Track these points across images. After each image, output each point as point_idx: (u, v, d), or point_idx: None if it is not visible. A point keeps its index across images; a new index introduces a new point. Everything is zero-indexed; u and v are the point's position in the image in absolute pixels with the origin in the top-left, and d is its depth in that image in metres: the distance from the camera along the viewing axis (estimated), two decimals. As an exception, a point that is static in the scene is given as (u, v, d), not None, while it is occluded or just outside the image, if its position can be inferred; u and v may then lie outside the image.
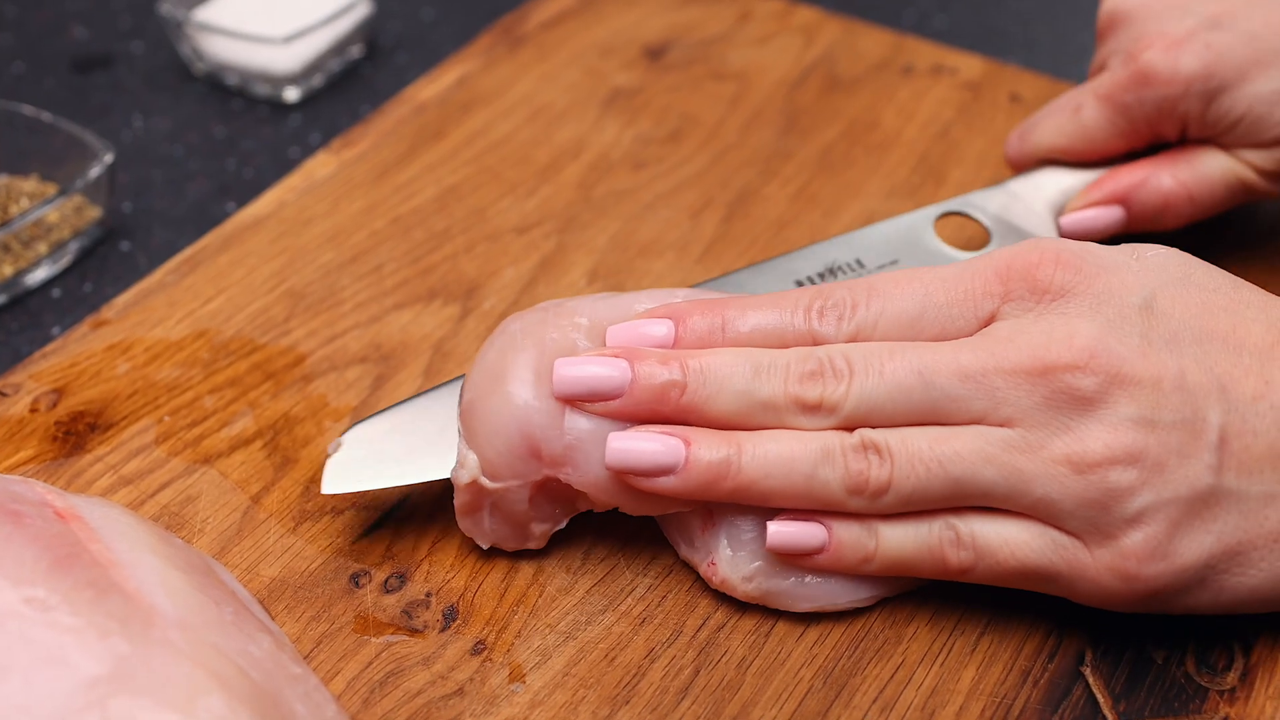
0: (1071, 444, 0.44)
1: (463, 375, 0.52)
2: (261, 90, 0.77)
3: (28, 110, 0.68)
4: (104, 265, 0.67)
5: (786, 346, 0.47)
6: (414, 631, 0.48)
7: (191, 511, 0.52)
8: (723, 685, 0.47)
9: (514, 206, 0.66)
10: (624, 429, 0.47)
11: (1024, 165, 0.62)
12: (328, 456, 0.50)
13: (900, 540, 0.47)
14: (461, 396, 0.49)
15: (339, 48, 0.78)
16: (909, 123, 0.71)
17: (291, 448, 0.54)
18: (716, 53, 0.76)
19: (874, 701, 0.47)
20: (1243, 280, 0.48)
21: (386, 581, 0.50)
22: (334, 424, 0.55)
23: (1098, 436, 0.44)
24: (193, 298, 0.60)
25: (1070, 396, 0.44)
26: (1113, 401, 0.44)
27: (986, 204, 0.60)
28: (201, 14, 0.77)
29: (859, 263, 0.57)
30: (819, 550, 0.47)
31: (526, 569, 0.50)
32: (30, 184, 0.67)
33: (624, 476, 0.47)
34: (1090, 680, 0.47)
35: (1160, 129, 0.59)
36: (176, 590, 0.42)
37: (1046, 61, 0.81)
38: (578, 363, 0.47)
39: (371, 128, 0.70)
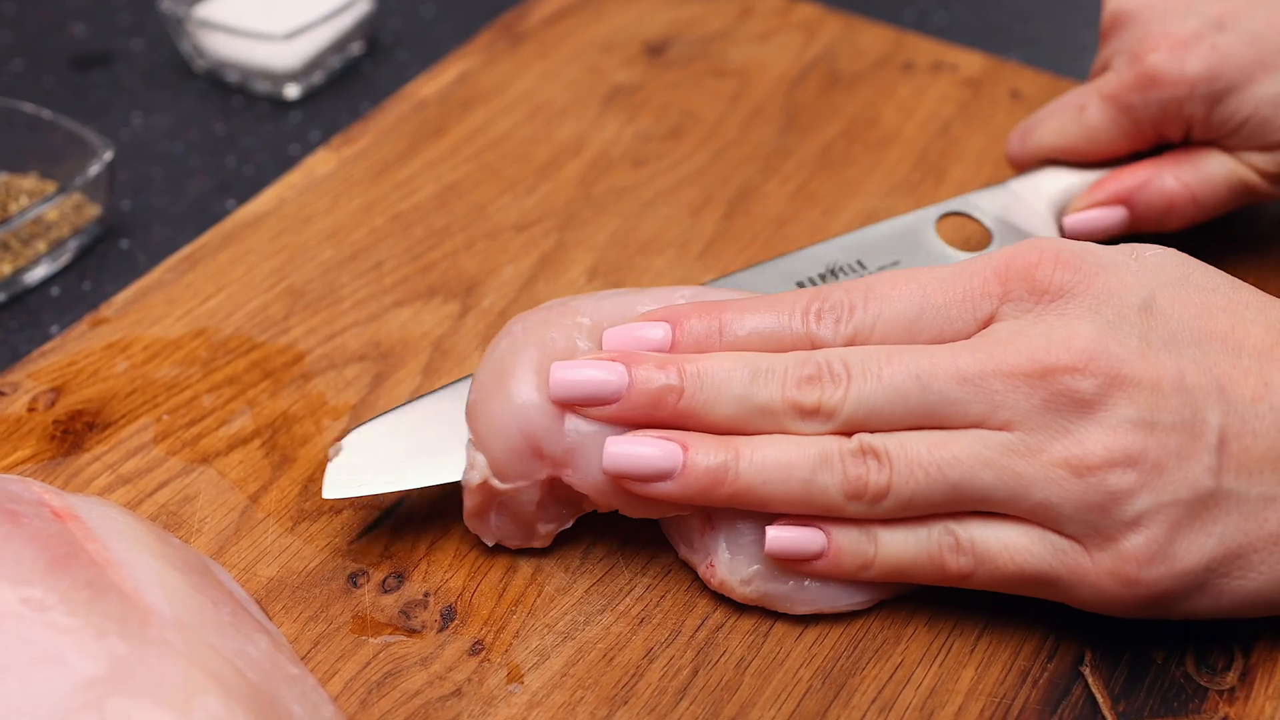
0: (1070, 447, 0.44)
1: (463, 377, 0.52)
2: (261, 87, 0.77)
3: (27, 108, 0.68)
4: (103, 263, 0.67)
5: (784, 349, 0.47)
6: (412, 632, 0.48)
7: (189, 511, 0.52)
8: (721, 685, 0.47)
9: (514, 204, 0.66)
10: (622, 433, 0.47)
11: (1025, 165, 0.62)
12: (328, 460, 0.50)
13: (899, 546, 0.47)
14: (468, 397, 0.49)
15: (339, 44, 0.78)
16: (909, 120, 0.71)
17: (290, 447, 0.54)
18: (717, 49, 0.76)
19: (873, 702, 0.47)
20: (1241, 281, 0.48)
21: (384, 581, 0.50)
22: (332, 422, 0.55)
23: (1097, 439, 0.44)
24: (192, 296, 0.60)
25: (1069, 399, 0.44)
26: (1112, 403, 0.44)
27: (988, 204, 0.60)
28: (201, 11, 0.77)
29: (860, 264, 0.57)
30: (818, 556, 0.47)
31: (525, 569, 0.50)
32: (29, 182, 0.67)
33: (621, 481, 0.47)
34: (1089, 680, 0.47)
35: (1164, 130, 0.59)
36: (174, 590, 0.42)
37: (1047, 58, 0.81)
38: (574, 367, 0.47)
39: (372, 125, 0.70)
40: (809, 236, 0.64)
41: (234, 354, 0.58)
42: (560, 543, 0.51)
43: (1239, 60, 0.56)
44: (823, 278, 0.56)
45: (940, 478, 0.45)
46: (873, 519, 0.47)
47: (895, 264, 0.57)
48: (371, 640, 0.48)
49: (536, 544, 0.50)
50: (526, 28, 0.77)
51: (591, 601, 0.49)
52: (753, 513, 0.48)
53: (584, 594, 0.50)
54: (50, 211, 0.65)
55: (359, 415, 0.55)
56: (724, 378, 0.46)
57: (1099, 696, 0.47)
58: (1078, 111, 0.60)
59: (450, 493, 0.52)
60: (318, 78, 0.77)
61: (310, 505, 0.52)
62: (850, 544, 0.47)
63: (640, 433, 0.47)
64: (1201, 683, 0.47)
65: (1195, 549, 0.44)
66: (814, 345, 0.47)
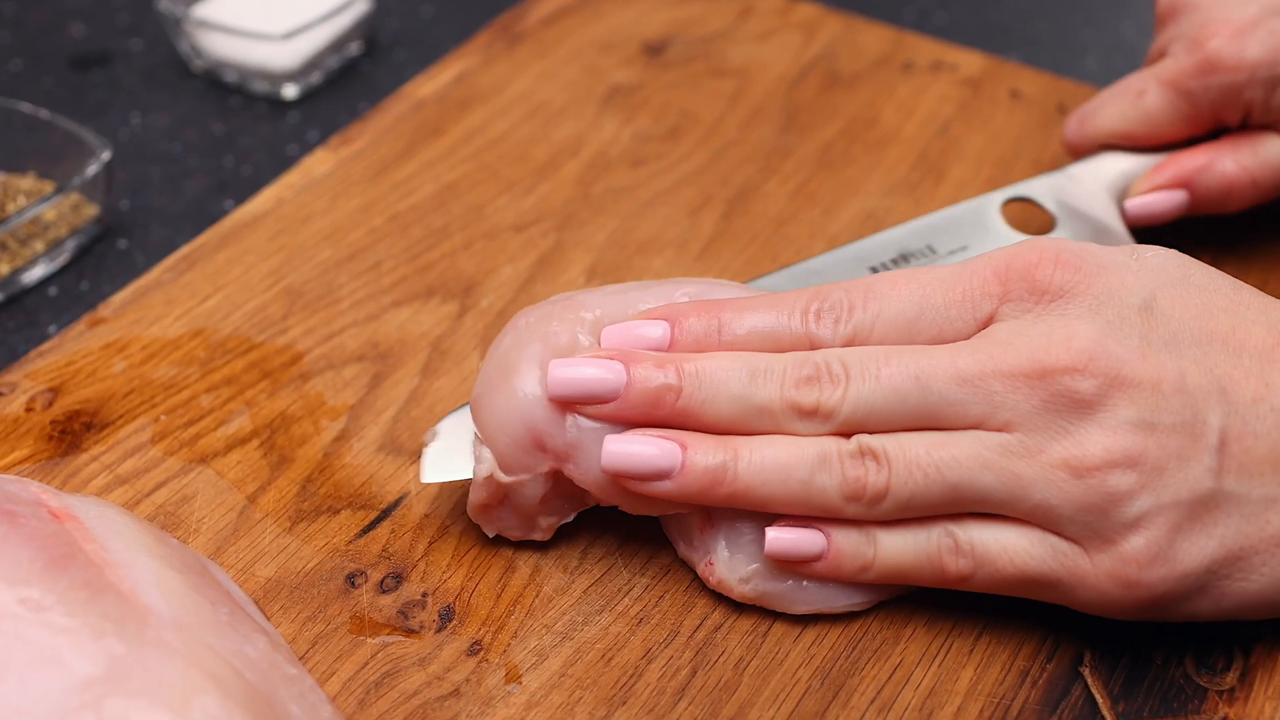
0: (1070, 448, 0.44)
1: None
2: (260, 87, 0.77)
3: (25, 107, 0.68)
4: (101, 263, 0.66)
5: (783, 349, 0.47)
6: (410, 632, 0.48)
7: (187, 511, 0.52)
8: (720, 686, 0.47)
9: (512, 204, 0.66)
10: (622, 431, 0.47)
11: (1083, 150, 0.63)
12: (424, 445, 0.50)
13: (899, 548, 0.47)
14: (474, 391, 0.50)
15: (338, 45, 0.78)
16: (909, 119, 0.71)
17: (288, 447, 0.54)
18: (716, 49, 0.76)
19: (871, 702, 0.46)
20: (1242, 282, 0.48)
21: (382, 582, 0.50)
22: (330, 422, 0.55)
23: (1096, 440, 0.43)
24: (190, 296, 0.60)
25: (1069, 400, 0.44)
26: (1112, 404, 0.44)
27: (1049, 189, 0.61)
28: (200, 11, 0.77)
29: (930, 248, 0.58)
30: (818, 558, 0.47)
31: (523, 569, 0.50)
32: (27, 182, 0.67)
33: (620, 480, 0.47)
34: (1089, 681, 0.47)
35: (1223, 115, 0.59)
36: (172, 590, 0.42)
37: (1047, 58, 0.81)
38: (571, 365, 0.47)
39: (370, 125, 0.70)
40: (808, 236, 0.64)
41: (232, 354, 0.58)
42: (558, 543, 0.51)
43: None
44: (895, 263, 0.57)
45: (939, 479, 0.45)
46: (872, 520, 0.46)
47: (965, 249, 0.58)
48: (369, 640, 0.48)
49: (537, 536, 0.50)
50: (525, 28, 0.77)
51: (590, 601, 0.49)
52: (753, 512, 0.48)
53: (582, 594, 0.49)
54: (48, 211, 0.65)
55: (357, 416, 0.55)
56: (722, 377, 0.46)
57: (1098, 697, 0.47)
58: (1136, 97, 0.60)
59: (449, 493, 0.52)
60: (316, 78, 0.77)
61: (308, 506, 0.52)
62: (850, 546, 0.47)
63: (639, 431, 0.47)
64: (1201, 683, 0.47)
65: (1196, 551, 0.44)
66: (813, 345, 0.47)
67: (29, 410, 0.55)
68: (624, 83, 0.73)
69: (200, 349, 0.58)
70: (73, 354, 0.57)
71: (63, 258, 0.66)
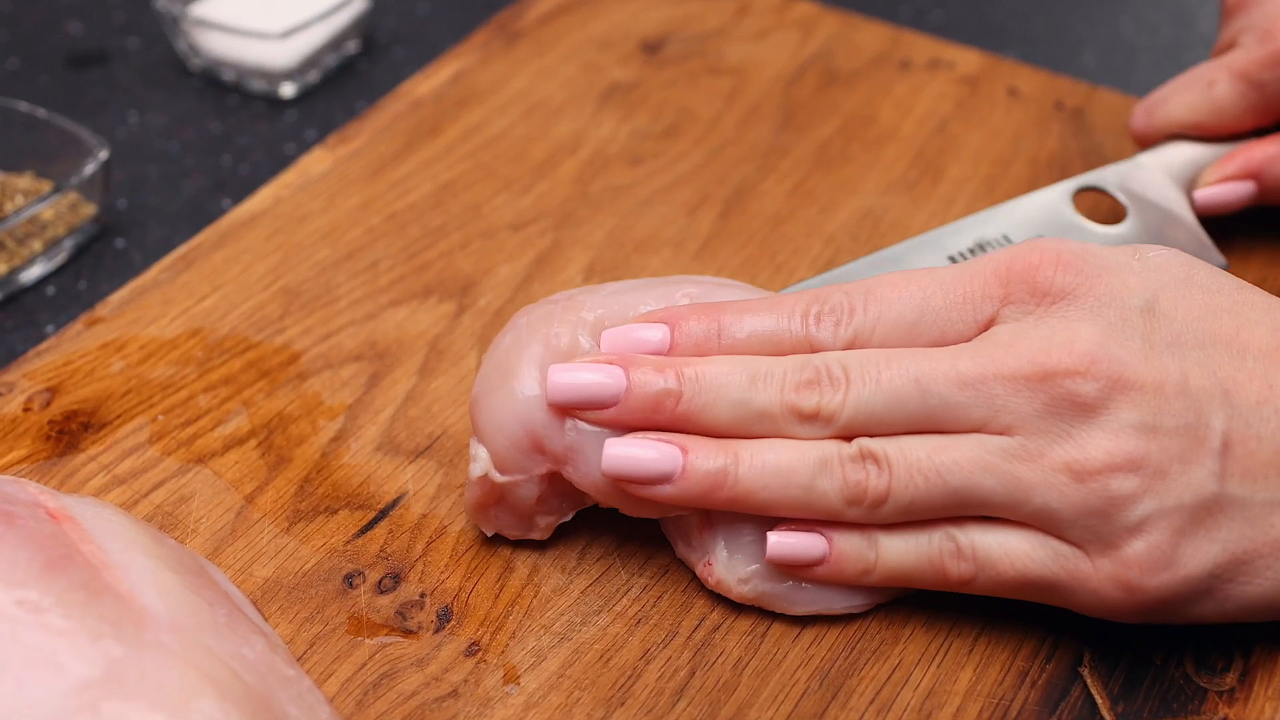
0: (1072, 451, 0.43)
1: None
2: (257, 86, 0.76)
3: (22, 106, 0.67)
4: (99, 262, 0.66)
5: (783, 352, 0.47)
6: (408, 633, 0.48)
7: (185, 511, 0.52)
8: (718, 687, 0.47)
9: (510, 203, 0.65)
10: (622, 434, 0.47)
11: (1151, 140, 0.63)
12: None
13: (900, 552, 0.46)
14: (473, 391, 0.49)
15: (335, 43, 0.78)
16: (906, 117, 0.71)
17: (286, 447, 0.54)
18: (713, 47, 0.76)
19: (870, 703, 0.46)
20: (1245, 281, 0.47)
21: (380, 582, 0.50)
22: (328, 422, 0.55)
23: (1098, 443, 0.43)
24: (187, 295, 0.60)
25: (1071, 403, 0.43)
26: (1114, 407, 0.43)
27: (1119, 179, 0.61)
28: (197, 9, 0.76)
29: (1006, 238, 0.58)
30: (819, 562, 0.47)
31: (521, 569, 0.50)
32: (25, 181, 0.67)
33: (620, 483, 0.46)
34: (1088, 681, 0.47)
35: None
36: (169, 592, 0.42)
37: (1044, 56, 0.81)
38: (571, 370, 0.47)
39: (367, 124, 0.70)
40: (806, 235, 0.64)
41: (230, 354, 0.58)
42: (557, 543, 0.51)
43: None
44: (972, 252, 0.58)
45: (940, 483, 0.45)
46: (873, 524, 0.46)
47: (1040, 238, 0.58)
48: (367, 641, 0.48)
49: (535, 535, 0.50)
50: (522, 26, 0.77)
51: (588, 602, 0.49)
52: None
53: (580, 594, 0.49)
54: (46, 211, 0.65)
55: (355, 415, 0.55)
56: (722, 382, 0.46)
57: (1098, 698, 0.47)
58: (1206, 87, 0.60)
59: (447, 493, 0.52)
60: (313, 76, 0.77)
61: (306, 506, 0.52)
62: (851, 550, 0.47)
63: (639, 435, 0.47)
64: (1201, 684, 0.47)
65: (1199, 556, 0.44)
66: (813, 348, 0.47)
67: (26, 410, 0.55)
68: (621, 81, 0.73)
69: (198, 348, 0.58)
70: (70, 354, 0.57)
71: (60, 257, 0.66)
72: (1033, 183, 0.67)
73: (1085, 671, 0.47)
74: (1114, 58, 0.81)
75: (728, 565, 0.48)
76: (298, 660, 0.47)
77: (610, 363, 0.47)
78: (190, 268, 0.61)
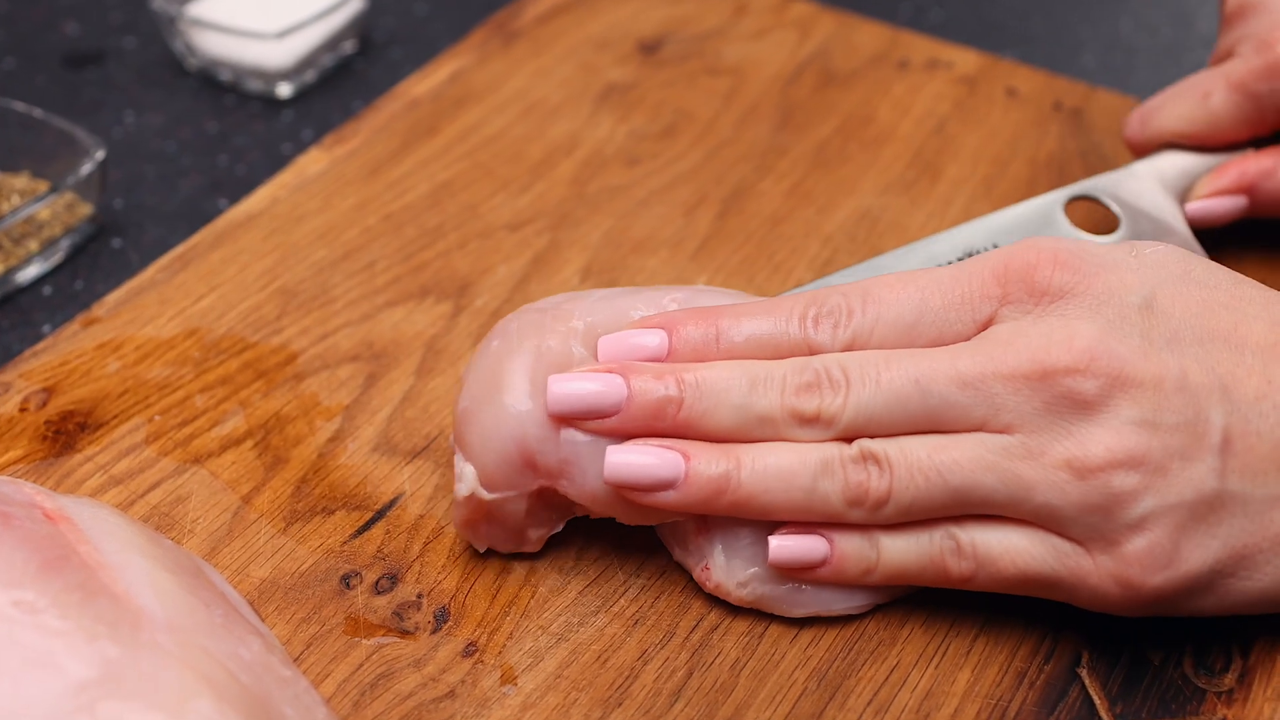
0: (1072, 448, 0.43)
1: None
2: (254, 86, 0.76)
3: (19, 106, 0.67)
4: (95, 262, 0.66)
5: (781, 355, 0.47)
6: (405, 633, 0.48)
7: (181, 512, 0.52)
8: (716, 687, 0.47)
9: (507, 203, 0.65)
10: (621, 441, 0.46)
11: (1145, 149, 0.63)
12: None
13: (902, 551, 0.46)
14: (458, 403, 0.49)
15: (332, 43, 0.77)
16: (904, 117, 0.71)
17: (283, 447, 0.54)
18: (711, 47, 0.76)
19: (868, 704, 0.46)
20: (1243, 276, 0.47)
21: (377, 583, 0.49)
22: (325, 423, 0.55)
23: (1099, 440, 0.43)
24: (184, 295, 0.60)
25: (1071, 400, 0.43)
26: (1114, 404, 0.43)
27: (1111, 188, 0.61)
28: (194, 9, 0.76)
29: (995, 248, 0.58)
30: (821, 564, 0.47)
31: (519, 570, 0.50)
32: (21, 181, 0.67)
33: (622, 491, 0.46)
34: (1087, 682, 0.47)
35: None
36: (166, 592, 0.42)
37: (1042, 56, 0.81)
38: (571, 379, 0.46)
39: (364, 124, 0.70)
40: (804, 235, 0.64)
41: (226, 354, 0.57)
42: (554, 544, 0.51)
43: None
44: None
45: (941, 482, 0.45)
46: (874, 525, 0.46)
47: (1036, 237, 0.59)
48: (364, 642, 0.48)
49: (527, 549, 0.50)
50: (520, 26, 0.77)
51: (585, 603, 0.49)
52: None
53: (578, 595, 0.49)
54: (42, 210, 0.65)
55: (352, 416, 0.55)
56: (723, 387, 0.46)
57: (1096, 698, 0.47)
58: (1202, 98, 0.60)
59: (444, 494, 0.52)
60: (310, 76, 0.77)
61: (303, 506, 0.52)
62: (853, 550, 0.47)
63: (640, 442, 0.46)
64: (1199, 684, 0.47)
65: (1200, 552, 0.44)
66: (812, 350, 0.47)
67: (23, 410, 0.55)
68: (619, 81, 0.73)
69: (194, 349, 0.58)
70: (67, 354, 0.57)
71: (57, 257, 0.66)
72: (1031, 183, 0.67)
73: (1084, 672, 0.47)
74: (1113, 58, 0.81)
75: (726, 569, 0.48)
76: (294, 661, 0.47)
77: (610, 371, 0.46)
78: (187, 268, 0.61)
